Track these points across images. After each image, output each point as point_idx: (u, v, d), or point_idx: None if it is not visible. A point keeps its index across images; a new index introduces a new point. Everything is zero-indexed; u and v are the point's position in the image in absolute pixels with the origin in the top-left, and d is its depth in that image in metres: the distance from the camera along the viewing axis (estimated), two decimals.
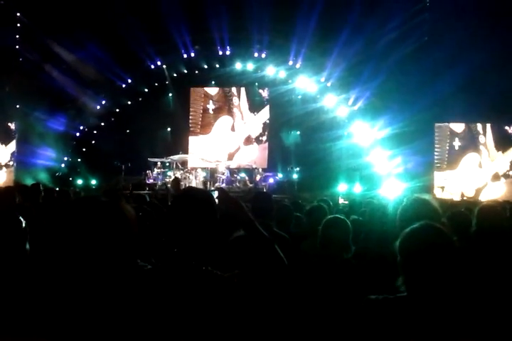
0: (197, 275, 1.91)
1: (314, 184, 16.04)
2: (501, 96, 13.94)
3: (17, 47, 17.27)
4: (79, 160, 19.39)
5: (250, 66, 19.45)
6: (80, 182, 17.88)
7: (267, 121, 19.89)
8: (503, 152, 16.08)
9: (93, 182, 17.83)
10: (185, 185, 16.34)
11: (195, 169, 17.96)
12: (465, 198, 15.57)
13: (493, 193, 15.82)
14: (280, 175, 17.75)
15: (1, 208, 3.56)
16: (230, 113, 20.25)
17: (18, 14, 17.29)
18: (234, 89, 20.27)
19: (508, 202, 8.92)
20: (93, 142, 19.89)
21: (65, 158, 19.51)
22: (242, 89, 20.14)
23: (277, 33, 17.18)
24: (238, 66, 19.44)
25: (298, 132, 19.04)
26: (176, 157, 17.95)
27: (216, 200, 2.06)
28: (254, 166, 18.36)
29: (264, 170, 18.30)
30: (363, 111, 17.58)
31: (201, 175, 17.60)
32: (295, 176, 17.02)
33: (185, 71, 19.98)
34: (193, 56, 19.17)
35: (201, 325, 1.83)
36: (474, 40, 13.69)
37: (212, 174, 17.78)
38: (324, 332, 3.33)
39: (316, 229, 3.84)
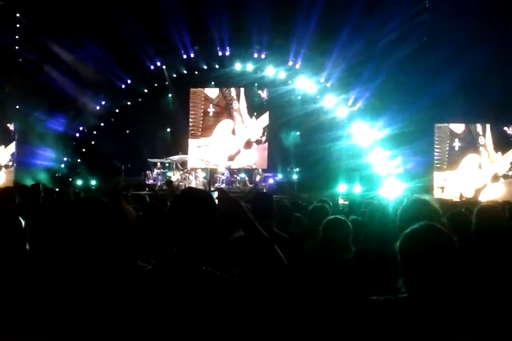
0: (197, 275, 1.91)
1: (314, 184, 16.04)
2: (501, 97, 13.95)
3: (17, 47, 17.27)
4: (78, 160, 19.39)
5: (250, 67, 19.45)
6: (79, 182, 17.88)
7: (267, 127, 19.85)
8: (502, 153, 16.08)
9: (93, 182, 17.83)
10: (185, 185, 16.35)
11: (195, 169, 17.96)
12: (464, 199, 15.58)
13: (492, 194, 15.82)
14: (280, 176, 17.75)
15: (1, 209, 3.55)
16: (231, 116, 20.24)
17: (18, 15, 17.28)
18: (234, 92, 20.23)
19: (508, 202, 8.92)
20: (93, 142, 19.89)
21: (65, 159, 19.52)
22: (242, 91, 20.11)
23: (277, 33, 17.19)
24: (238, 67, 19.45)
25: (298, 133, 19.04)
26: (175, 157, 17.95)
27: (216, 201, 2.06)
28: (254, 167, 18.36)
29: (263, 170, 18.30)
30: (363, 112, 17.58)
31: (201, 175, 17.61)
32: (295, 177, 17.02)
33: (185, 71, 19.98)
34: (193, 57, 19.18)
35: (201, 326, 1.83)
36: (474, 41, 13.70)
37: (212, 174, 17.78)
38: (325, 333, 3.33)
39: (318, 230, 3.84)
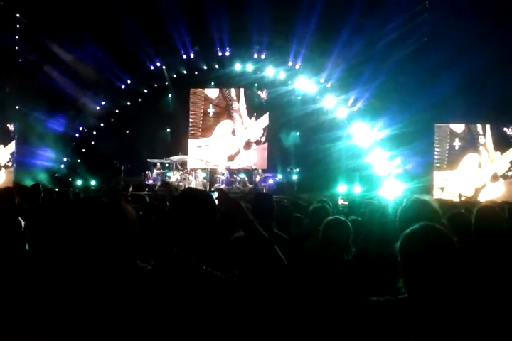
0: (197, 275, 1.91)
1: (314, 185, 16.04)
2: (501, 97, 13.96)
3: (16, 48, 17.26)
4: (78, 160, 19.38)
5: (250, 67, 19.45)
6: (79, 182, 17.87)
7: (267, 127, 19.85)
8: (501, 153, 16.11)
9: (93, 183, 17.82)
10: (185, 185, 16.35)
11: (195, 170, 17.95)
12: (463, 198, 15.62)
13: (492, 193, 15.85)
14: (280, 176, 17.74)
15: (1, 209, 3.55)
16: (231, 117, 20.23)
17: (18, 15, 17.27)
18: (233, 93, 20.22)
19: (507, 202, 8.93)
20: (93, 143, 19.87)
21: (65, 159, 19.51)
22: (242, 92, 20.11)
23: (277, 33, 17.19)
24: (238, 67, 19.44)
25: (297, 133, 19.03)
26: (175, 158, 17.93)
27: (216, 201, 2.06)
28: (253, 167, 18.35)
29: (263, 170, 18.29)
30: (363, 112, 17.58)
31: (201, 175, 17.60)
32: (295, 177, 17.01)
33: (185, 72, 19.96)
34: (193, 57, 19.17)
35: (201, 326, 1.83)
36: (474, 41, 13.70)
37: (211, 175, 17.78)
38: (325, 333, 3.33)
39: (318, 230, 3.85)
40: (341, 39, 15.59)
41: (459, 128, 16.78)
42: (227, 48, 18.76)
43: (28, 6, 16.32)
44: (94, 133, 19.98)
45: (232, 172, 18.01)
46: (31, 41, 16.95)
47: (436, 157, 16.85)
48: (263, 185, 17.18)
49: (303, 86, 18.87)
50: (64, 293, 1.66)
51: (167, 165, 17.75)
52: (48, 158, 18.00)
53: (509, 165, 16.03)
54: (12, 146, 17.87)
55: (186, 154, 19.43)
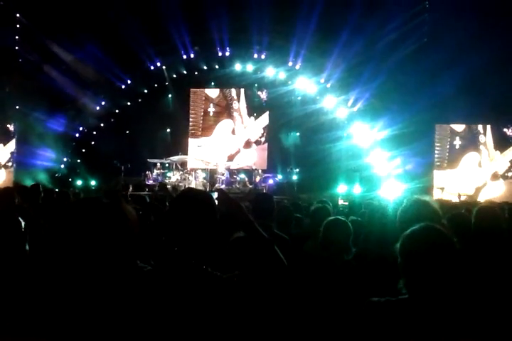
0: (197, 275, 1.91)
1: (314, 185, 16.03)
2: (502, 98, 13.96)
3: (16, 48, 17.25)
4: (78, 161, 19.37)
5: (250, 67, 19.45)
6: (79, 183, 17.86)
7: (267, 127, 19.85)
8: (501, 152, 16.13)
9: (93, 183, 17.81)
10: (185, 186, 16.34)
11: (195, 170, 17.94)
12: (463, 197, 15.65)
13: (492, 192, 15.88)
14: (280, 176, 17.73)
15: (1, 209, 3.55)
16: (231, 116, 20.24)
17: (18, 15, 17.27)
18: (234, 92, 20.23)
19: (507, 203, 8.93)
20: (93, 143, 19.87)
21: (65, 159, 19.50)
22: (242, 92, 20.12)
23: (277, 34, 17.19)
24: (238, 67, 19.44)
25: (297, 133, 19.03)
26: (175, 158, 17.92)
27: (216, 201, 2.06)
28: (253, 167, 18.35)
29: (263, 171, 18.29)
30: (363, 113, 17.58)
31: (201, 176, 17.59)
32: (295, 177, 17.00)
33: (185, 72, 19.96)
34: (193, 57, 19.16)
35: (201, 326, 1.83)
36: (474, 42, 13.70)
37: (211, 175, 17.77)
38: (325, 334, 3.32)
39: (319, 230, 3.85)
40: (341, 39, 15.59)
41: (459, 127, 16.81)
42: (228, 48, 18.76)
43: (28, 6, 16.31)
44: (94, 133, 19.98)
45: (232, 172, 18.00)
46: (31, 41, 16.94)
47: (436, 156, 16.86)
48: (263, 185, 17.17)
49: (303, 86, 18.87)
50: (64, 293, 1.66)
51: (167, 165, 17.74)
52: (48, 158, 17.99)
53: (509, 165, 16.05)
54: (12, 145, 17.85)
55: (186, 154, 19.42)
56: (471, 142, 16.54)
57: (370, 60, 15.47)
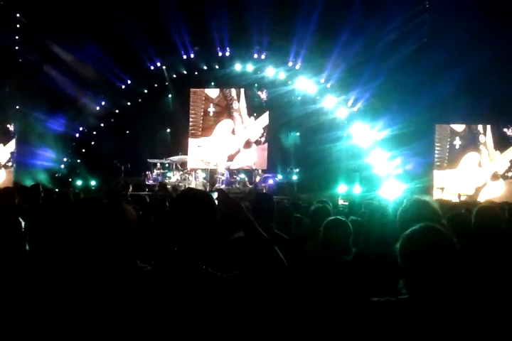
0: (197, 276, 1.91)
1: (314, 185, 16.03)
2: (502, 98, 13.95)
3: (17, 48, 17.25)
4: (78, 161, 19.37)
5: (250, 67, 19.45)
6: (79, 183, 17.85)
7: (266, 127, 19.85)
8: (501, 152, 16.15)
9: (93, 183, 17.81)
10: (185, 186, 16.34)
11: (195, 170, 17.94)
12: (463, 197, 15.67)
13: (492, 192, 15.89)
14: (280, 176, 17.72)
15: (1, 209, 3.55)
16: (231, 116, 20.24)
17: (18, 15, 17.27)
18: (234, 92, 20.24)
19: (507, 203, 8.92)
20: (93, 143, 19.86)
21: (65, 159, 19.50)
22: (242, 92, 20.12)
23: (277, 34, 17.19)
24: (238, 67, 19.44)
25: (297, 133, 19.02)
26: (175, 158, 17.92)
27: (216, 201, 2.06)
28: (253, 167, 18.34)
29: (263, 171, 18.29)
30: (363, 113, 17.58)
31: (201, 176, 17.59)
32: (295, 177, 17.00)
33: (185, 72, 19.97)
34: (193, 57, 19.16)
35: (201, 326, 1.83)
36: (474, 42, 13.70)
37: (211, 175, 17.76)
38: (325, 334, 3.32)
39: (319, 231, 3.85)
40: (341, 39, 15.59)
41: (459, 127, 16.82)
42: (228, 48, 18.76)
43: (28, 5, 16.31)
44: (94, 133, 19.98)
45: (232, 172, 18.00)
46: (31, 41, 16.94)
47: (436, 156, 16.87)
48: (263, 185, 17.17)
49: (303, 86, 18.87)
50: (64, 293, 1.66)
51: (167, 165, 17.74)
52: (48, 158, 17.99)
53: (509, 165, 16.06)
54: (12, 145, 17.85)
55: (186, 154, 19.41)
56: (471, 142, 16.55)
57: (370, 60, 15.47)
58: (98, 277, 1.67)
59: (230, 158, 19.67)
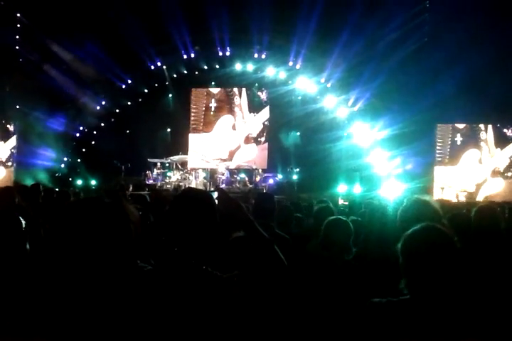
0: (196, 275, 1.91)
1: (314, 185, 16.02)
2: (503, 97, 13.94)
3: (17, 47, 17.26)
4: (79, 160, 19.37)
5: (250, 67, 19.45)
6: (79, 182, 17.86)
7: (267, 122, 19.88)
8: (501, 149, 16.17)
9: (93, 182, 17.82)
10: (185, 185, 16.35)
11: (195, 170, 17.94)
12: (462, 196, 15.71)
13: (492, 189, 15.92)
14: (280, 176, 17.72)
15: (1, 208, 3.55)
16: (231, 112, 20.28)
17: (18, 15, 17.27)
18: (235, 89, 20.31)
19: (508, 202, 8.92)
20: (93, 142, 19.88)
21: (65, 159, 19.50)
22: (244, 91, 20.16)
23: (277, 33, 17.19)
24: (238, 67, 19.44)
25: (298, 133, 19.02)
26: (175, 158, 17.93)
27: (216, 201, 2.06)
28: (254, 167, 18.35)
29: (263, 170, 18.29)
30: (363, 112, 17.57)
31: (201, 175, 17.58)
32: (295, 177, 16.99)
33: (185, 72, 19.98)
34: (193, 57, 19.17)
35: (201, 326, 1.83)
36: (474, 41, 13.69)
37: (212, 175, 17.77)
38: (325, 334, 3.32)
39: (321, 230, 3.84)
40: (342, 39, 15.58)
41: (460, 124, 16.83)
42: (228, 48, 18.77)
43: (29, 5, 16.31)
44: (95, 132, 19.99)
45: (232, 172, 18.01)
46: (32, 41, 16.95)
47: (438, 152, 16.86)
48: (263, 185, 17.17)
49: (303, 86, 18.87)
50: (64, 292, 1.66)
51: (167, 164, 17.76)
52: (48, 157, 17.99)
53: (509, 161, 16.07)
54: (12, 142, 17.83)
55: (186, 154, 19.43)
56: (472, 139, 16.57)
57: (370, 60, 15.47)
58: (98, 277, 1.67)
59: (231, 154, 19.71)
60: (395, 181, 16.18)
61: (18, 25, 17.32)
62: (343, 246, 3.68)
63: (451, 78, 13.66)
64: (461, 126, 16.80)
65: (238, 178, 17.63)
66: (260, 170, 18.08)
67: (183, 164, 18.69)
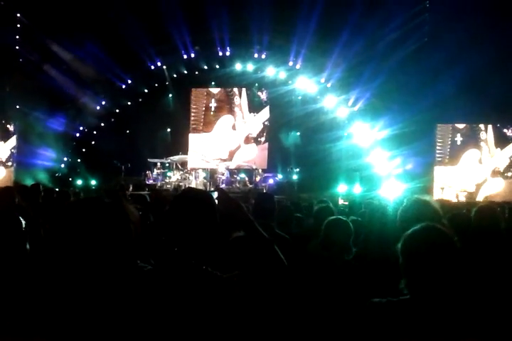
0: (196, 275, 1.91)
1: (314, 185, 16.02)
2: (503, 97, 13.94)
3: (17, 47, 17.26)
4: (79, 160, 19.38)
5: (250, 67, 19.45)
6: (79, 182, 17.86)
7: (267, 122, 19.89)
8: (501, 149, 16.18)
9: (93, 182, 17.82)
10: (185, 185, 16.35)
11: (195, 170, 17.94)
12: (462, 196, 15.70)
13: (492, 189, 15.93)
14: (280, 176, 17.72)
15: (1, 208, 3.55)
16: (231, 112, 20.29)
17: (18, 15, 17.27)
18: (235, 89, 20.32)
19: (508, 202, 8.92)
20: (93, 142, 19.88)
21: (65, 159, 19.50)
22: (243, 89, 20.17)
23: (277, 33, 17.18)
24: (238, 67, 19.44)
25: (298, 133, 19.02)
26: (175, 158, 17.93)
27: (216, 201, 2.06)
28: (254, 167, 18.35)
29: (263, 170, 18.29)
30: (363, 112, 17.57)
31: (201, 175, 17.58)
32: (295, 177, 16.99)
33: (185, 72, 19.98)
34: (193, 57, 19.17)
35: (201, 326, 1.83)
36: (474, 41, 13.69)
37: (212, 175, 17.77)
38: (325, 335, 3.32)
39: (321, 230, 3.84)
40: (342, 39, 15.58)
41: (460, 124, 16.84)
42: (228, 48, 18.77)
43: (29, 5, 16.31)
44: (95, 132, 19.99)
45: (232, 172, 18.01)
46: (32, 41, 16.95)
47: (438, 152, 16.86)
48: (263, 184, 17.17)
49: (303, 86, 18.87)
50: (65, 292, 1.66)
51: (167, 164, 17.76)
52: (49, 157, 17.99)
53: (509, 161, 16.08)
54: (12, 142, 17.82)
55: (186, 154, 19.43)
56: (472, 139, 16.58)
57: (370, 60, 15.46)
58: (99, 277, 1.67)
59: (231, 154, 19.72)
60: (395, 181, 16.18)
61: (18, 25, 17.32)
62: (343, 246, 3.68)
63: (451, 78, 13.66)
64: (461, 126, 16.80)
65: (238, 178, 17.63)
66: (260, 170, 18.08)
67: (183, 164, 18.69)
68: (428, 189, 15.61)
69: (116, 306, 1.68)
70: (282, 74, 19.19)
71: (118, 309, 1.68)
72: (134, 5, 15.63)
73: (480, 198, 15.71)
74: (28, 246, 2.39)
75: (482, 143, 16.46)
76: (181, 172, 17.66)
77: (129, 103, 20.32)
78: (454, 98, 14.18)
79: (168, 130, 20.18)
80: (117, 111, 20.35)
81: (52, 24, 15.81)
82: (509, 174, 16.07)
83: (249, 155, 19.50)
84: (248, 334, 2.12)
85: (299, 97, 19.07)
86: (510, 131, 16.11)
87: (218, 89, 20.47)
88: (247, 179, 17.60)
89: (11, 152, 17.81)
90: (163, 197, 6.34)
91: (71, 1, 15.62)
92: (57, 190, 7.19)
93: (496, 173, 16.17)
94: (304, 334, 3.31)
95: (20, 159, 17.46)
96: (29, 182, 10.96)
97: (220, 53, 18.99)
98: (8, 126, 17.87)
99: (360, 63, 15.76)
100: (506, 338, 2.01)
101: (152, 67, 19.45)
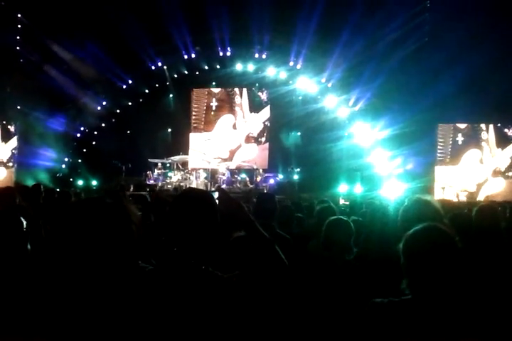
0: (197, 275, 1.91)
1: (315, 185, 16.01)
2: (504, 97, 13.93)
3: (17, 48, 17.26)
4: (79, 160, 19.39)
5: (251, 67, 19.45)
6: (80, 182, 17.87)
7: (268, 122, 19.89)
8: (502, 149, 16.18)
9: (94, 182, 17.83)
10: (186, 185, 16.35)
11: (196, 170, 17.95)
12: (463, 195, 15.69)
13: (493, 189, 15.93)
14: (281, 176, 17.72)
15: (2, 209, 3.55)
16: (232, 111, 20.31)
17: (19, 15, 17.28)
18: (236, 89, 20.33)
19: (509, 202, 8.92)
20: (94, 143, 19.89)
21: (66, 159, 19.51)
22: (244, 89, 20.18)
23: (278, 33, 17.18)
24: (239, 67, 19.45)
25: (298, 133, 19.03)
26: (176, 158, 17.94)
27: (216, 201, 2.05)
28: (254, 167, 18.35)
29: (264, 170, 18.29)
30: (364, 112, 17.56)
31: (202, 175, 17.59)
32: (296, 177, 17.00)
33: (186, 72, 19.99)
34: (194, 57, 19.18)
35: (201, 326, 1.83)
36: (475, 41, 13.68)
37: (212, 175, 17.78)
38: (326, 335, 3.32)
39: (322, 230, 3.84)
40: (342, 39, 15.58)
41: (462, 124, 16.84)
42: (228, 48, 18.78)
43: (29, 6, 16.32)
44: (95, 133, 20.00)
45: (233, 172, 18.02)
46: (32, 41, 16.95)
47: (439, 152, 16.86)
48: (264, 185, 17.17)
49: (304, 86, 18.86)
50: (65, 292, 1.65)
51: (168, 165, 17.77)
52: (49, 158, 18.00)
53: (510, 161, 16.07)
54: (13, 142, 17.83)
55: (187, 154, 19.44)
56: (473, 139, 16.58)
57: (371, 60, 15.46)
58: (100, 277, 1.67)
59: (232, 153, 19.72)
60: (395, 181, 16.17)
61: (19, 26, 17.33)
62: (344, 246, 3.67)
63: (451, 78, 13.65)
64: (462, 125, 16.80)
65: (239, 178, 17.64)
66: (261, 170, 18.09)
67: (184, 164, 18.70)
68: (429, 189, 15.60)
69: (118, 306, 1.68)
70: (283, 74, 19.19)
71: (119, 309, 1.68)
72: (135, 5, 15.64)
73: (481, 198, 15.70)
74: (29, 247, 2.39)
75: (483, 143, 16.45)
76: (182, 172, 17.66)
77: (129, 103, 20.33)
78: (454, 98, 14.18)
79: (169, 130, 20.20)
80: (118, 111, 20.37)
81: (52, 24, 15.82)
82: (510, 174, 16.07)
83: (249, 155, 19.50)
84: (249, 334, 2.12)
85: (300, 97, 19.07)
86: (511, 130, 16.11)
87: (219, 89, 20.50)
88: (247, 179, 17.60)
89: (12, 152, 17.82)
90: (163, 197, 6.35)
91: (71, 1, 15.62)
92: (58, 190, 7.19)
93: (496, 173, 16.17)
94: (305, 335, 3.31)
95: (21, 159, 17.46)
96: (30, 182, 10.98)
97: (221, 53, 19.00)
98: (8, 126, 17.87)
99: (361, 63, 15.76)
100: (507, 338, 2.00)
101: (153, 68, 19.46)
